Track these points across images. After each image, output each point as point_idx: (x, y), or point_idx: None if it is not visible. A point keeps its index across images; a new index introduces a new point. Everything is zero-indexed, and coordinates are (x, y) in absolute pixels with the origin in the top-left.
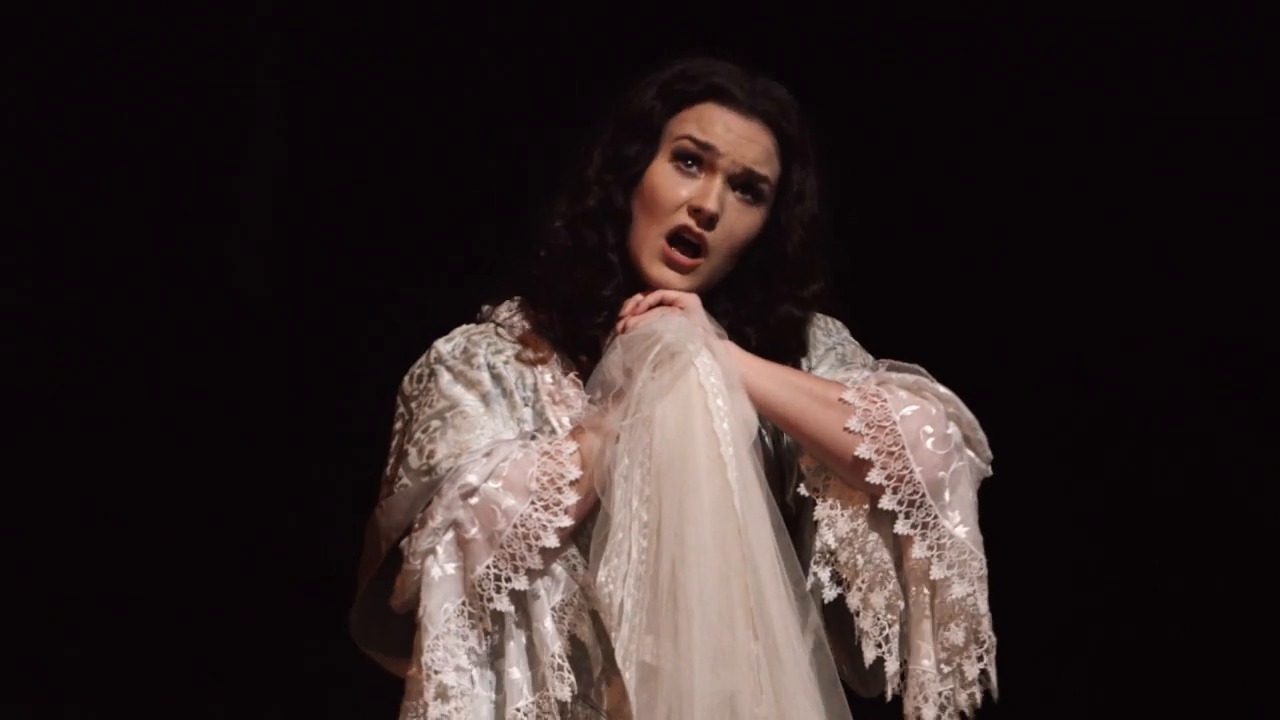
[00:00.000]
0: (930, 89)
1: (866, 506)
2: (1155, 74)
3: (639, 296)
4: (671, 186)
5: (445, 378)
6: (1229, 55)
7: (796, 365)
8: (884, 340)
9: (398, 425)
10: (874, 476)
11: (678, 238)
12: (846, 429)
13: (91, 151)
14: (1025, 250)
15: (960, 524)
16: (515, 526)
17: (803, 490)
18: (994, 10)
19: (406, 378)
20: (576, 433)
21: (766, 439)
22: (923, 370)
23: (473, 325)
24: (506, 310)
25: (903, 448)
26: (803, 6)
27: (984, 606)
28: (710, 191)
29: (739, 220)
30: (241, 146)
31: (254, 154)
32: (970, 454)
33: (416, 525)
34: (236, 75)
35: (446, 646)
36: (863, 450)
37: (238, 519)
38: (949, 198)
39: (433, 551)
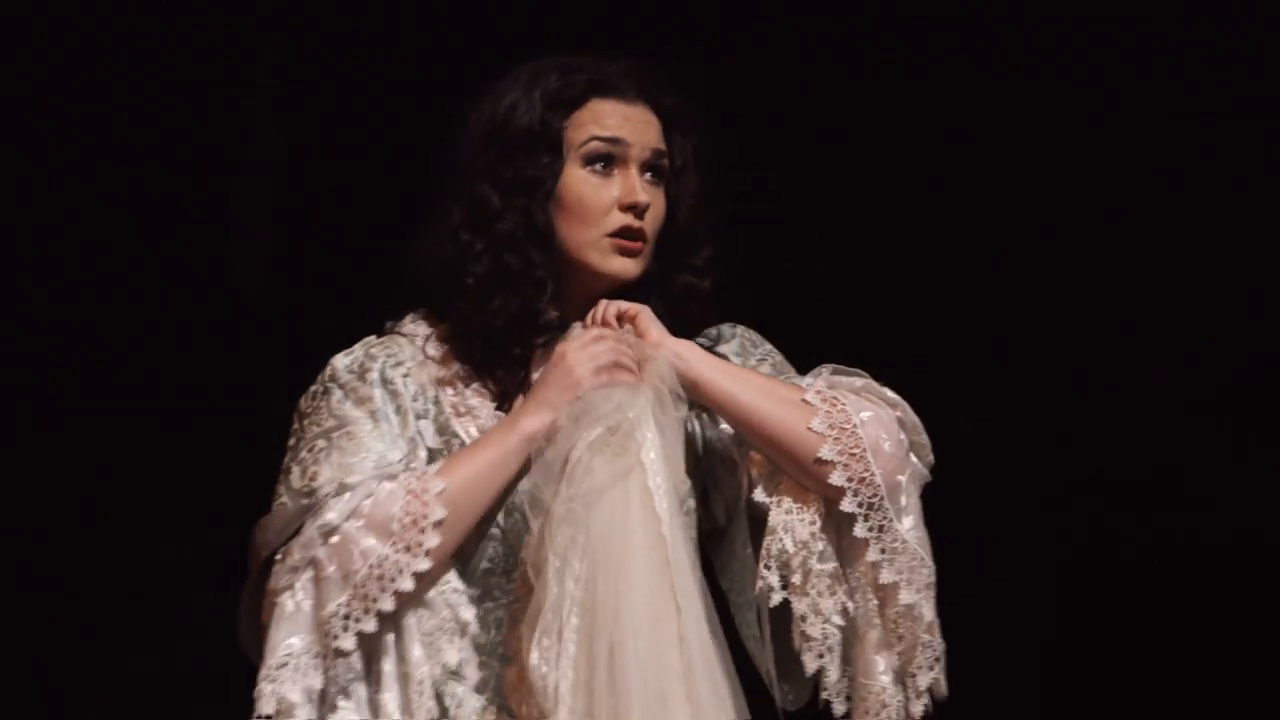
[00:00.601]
0: (928, 91)
1: (822, 510)
2: (1149, 69)
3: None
4: (594, 191)
5: (336, 395)
6: (1227, 53)
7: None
8: (883, 340)
9: (290, 442)
10: (836, 478)
11: (620, 235)
12: (810, 429)
13: (91, 151)
14: (1024, 250)
15: (912, 529)
16: (371, 568)
17: (757, 496)
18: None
19: (304, 395)
20: (446, 468)
21: (699, 443)
22: (866, 375)
23: (374, 338)
24: (411, 323)
25: (864, 450)
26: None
27: (930, 614)
28: (634, 185)
29: (657, 202)
30: (241, 147)
31: (254, 154)
32: (913, 458)
33: (278, 559)
34: (236, 75)
35: (276, 680)
36: (826, 451)
37: (238, 519)
38: (942, 198)
39: (290, 588)
